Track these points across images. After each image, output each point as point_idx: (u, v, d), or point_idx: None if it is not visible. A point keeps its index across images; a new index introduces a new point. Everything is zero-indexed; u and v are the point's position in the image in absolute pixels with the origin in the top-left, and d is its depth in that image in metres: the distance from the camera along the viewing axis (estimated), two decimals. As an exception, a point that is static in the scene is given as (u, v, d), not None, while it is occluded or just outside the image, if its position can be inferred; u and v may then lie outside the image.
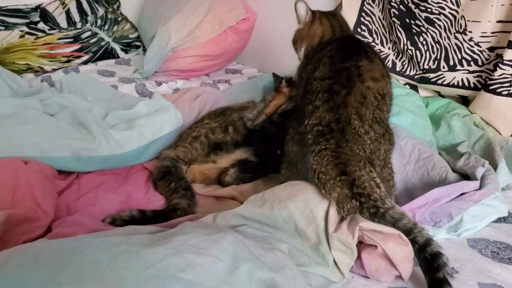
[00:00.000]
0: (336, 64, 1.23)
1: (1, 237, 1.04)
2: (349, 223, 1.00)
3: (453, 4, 1.64)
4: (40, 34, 2.23)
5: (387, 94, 1.25)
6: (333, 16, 1.49)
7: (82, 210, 1.20)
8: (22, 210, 1.11)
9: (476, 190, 1.22)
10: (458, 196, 1.20)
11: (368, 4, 1.91)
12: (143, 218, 1.19)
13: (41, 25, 2.28)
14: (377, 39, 1.90)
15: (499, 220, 1.22)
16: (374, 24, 1.90)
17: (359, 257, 1.00)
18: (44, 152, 1.31)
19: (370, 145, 1.11)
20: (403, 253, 0.97)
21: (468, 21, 1.61)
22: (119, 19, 2.50)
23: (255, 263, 0.89)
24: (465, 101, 1.73)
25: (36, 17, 2.29)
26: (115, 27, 2.45)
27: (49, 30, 2.28)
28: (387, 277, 1.00)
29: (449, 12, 1.65)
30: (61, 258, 0.82)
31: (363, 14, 1.92)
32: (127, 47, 2.45)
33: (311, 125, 1.13)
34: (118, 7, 2.60)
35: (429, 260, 0.94)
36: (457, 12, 1.64)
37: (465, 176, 1.30)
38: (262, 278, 0.87)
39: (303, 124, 1.16)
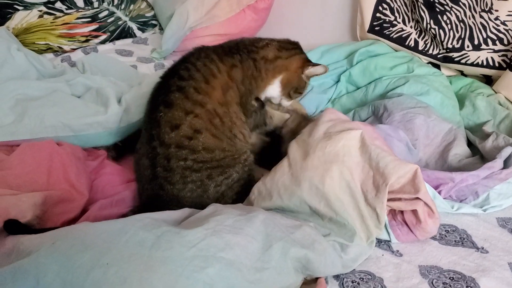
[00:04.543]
0: None
1: (41, 216, 1.07)
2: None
3: (478, -18, 1.62)
4: (58, 13, 2.23)
5: None
6: None
7: (116, 192, 1.22)
8: (58, 191, 1.14)
9: (502, 168, 1.23)
10: (483, 175, 1.21)
11: (390, -18, 1.88)
12: None
13: (58, 5, 2.27)
14: (399, 18, 1.87)
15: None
16: (396, 3, 1.87)
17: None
18: (76, 131, 1.35)
19: None
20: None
21: (494, -1, 1.59)
22: (135, -3, 2.48)
23: (287, 240, 0.92)
24: (489, 81, 1.72)
25: (53, -3, 2.28)
26: (132, 6, 2.43)
27: (66, 9, 2.27)
28: None
29: (475, -10, 1.63)
30: (107, 240, 0.85)
31: (384, -8, 1.90)
32: (144, 26, 2.44)
33: None
34: (134, -15, 2.58)
35: None
36: (483, -10, 1.61)
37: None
38: (296, 255, 0.91)
39: None
